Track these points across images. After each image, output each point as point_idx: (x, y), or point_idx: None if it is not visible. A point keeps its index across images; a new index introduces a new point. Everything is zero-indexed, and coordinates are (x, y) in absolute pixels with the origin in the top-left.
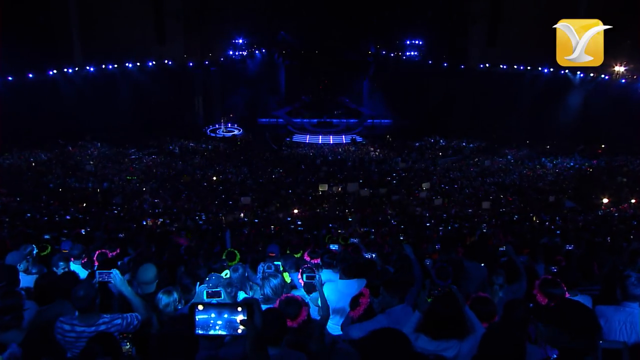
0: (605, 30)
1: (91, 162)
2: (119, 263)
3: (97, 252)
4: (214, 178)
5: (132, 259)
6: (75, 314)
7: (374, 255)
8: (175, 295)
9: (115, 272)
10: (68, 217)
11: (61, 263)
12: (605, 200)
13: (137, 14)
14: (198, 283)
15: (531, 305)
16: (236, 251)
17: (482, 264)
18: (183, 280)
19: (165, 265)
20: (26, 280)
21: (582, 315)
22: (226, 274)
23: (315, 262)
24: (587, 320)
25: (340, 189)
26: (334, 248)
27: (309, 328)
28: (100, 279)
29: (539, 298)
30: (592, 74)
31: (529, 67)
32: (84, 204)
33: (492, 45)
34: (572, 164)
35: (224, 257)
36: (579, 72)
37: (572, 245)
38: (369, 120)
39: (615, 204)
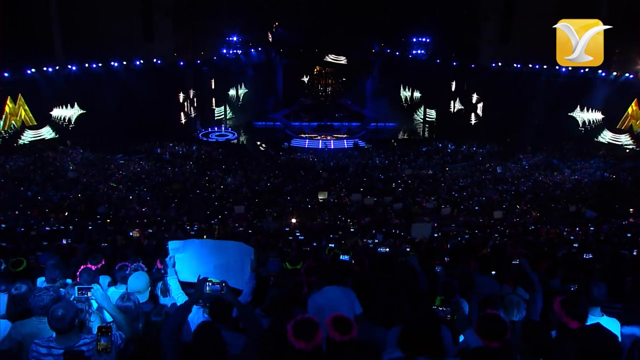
0: (629, 28)
1: (72, 167)
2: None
3: (81, 268)
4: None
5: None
6: (52, 335)
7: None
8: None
9: (97, 287)
10: (48, 228)
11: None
12: (630, 210)
13: (123, 9)
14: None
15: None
16: None
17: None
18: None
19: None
20: None
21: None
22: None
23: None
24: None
25: (342, 196)
26: (344, 259)
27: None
28: (79, 295)
29: (568, 322)
30: (615, 73)
31: (545, 66)
32: (66, 214)
33: (505, 43)
34: (592, 170)
35: None
36: (600, 71)
37: (591, 255)
38: (372, 124)
39: None
